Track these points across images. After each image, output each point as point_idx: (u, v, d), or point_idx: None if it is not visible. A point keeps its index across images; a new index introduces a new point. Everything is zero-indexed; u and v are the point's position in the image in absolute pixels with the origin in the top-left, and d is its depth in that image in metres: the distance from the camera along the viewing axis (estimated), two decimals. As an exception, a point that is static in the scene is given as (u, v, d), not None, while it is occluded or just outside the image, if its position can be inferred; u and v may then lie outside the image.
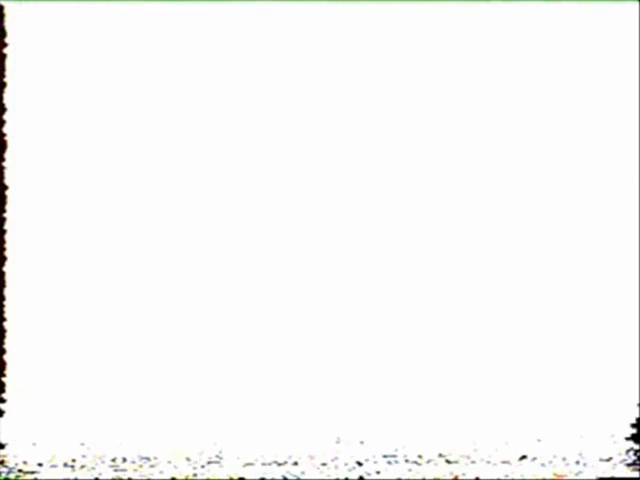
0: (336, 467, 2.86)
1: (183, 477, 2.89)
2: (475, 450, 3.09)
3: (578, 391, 3.12)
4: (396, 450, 3.09)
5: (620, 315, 3.14)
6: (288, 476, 2.56)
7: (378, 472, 2.66)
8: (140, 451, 3.05)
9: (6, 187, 3.02)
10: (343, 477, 2.53)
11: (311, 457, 3.06)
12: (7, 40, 3.05)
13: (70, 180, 3.09)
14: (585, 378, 3.13)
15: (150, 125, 3.11)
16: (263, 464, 2.90)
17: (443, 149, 3.13)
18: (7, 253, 3.03)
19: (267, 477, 2.53)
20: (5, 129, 3.05)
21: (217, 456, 3.05)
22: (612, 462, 3.03)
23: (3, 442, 3.03)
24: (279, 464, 2.90)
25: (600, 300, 3.14)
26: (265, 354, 3.11)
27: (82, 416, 3.07)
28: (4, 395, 3.02)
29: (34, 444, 3.04)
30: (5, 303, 3.02)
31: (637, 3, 3.12)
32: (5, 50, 3.04)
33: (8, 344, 3.04)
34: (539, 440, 3.10)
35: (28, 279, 3.06)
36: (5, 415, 3.02)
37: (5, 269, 3.03)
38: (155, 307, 3.09)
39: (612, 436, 3.12)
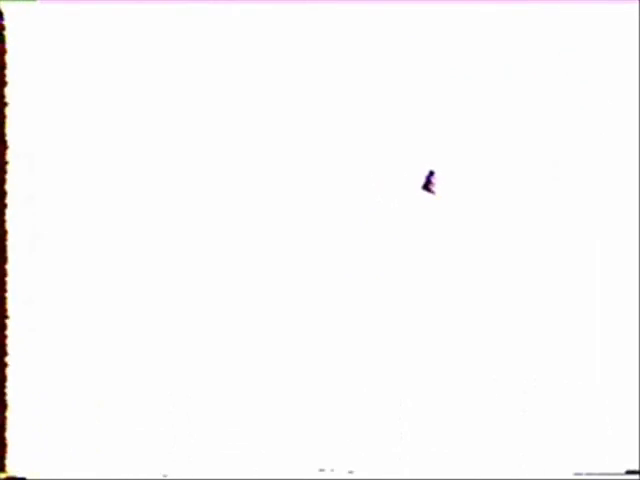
0: None
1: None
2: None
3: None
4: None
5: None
6: None
7: None
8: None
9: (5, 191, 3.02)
10: None
11: None
12: (7, 40, 3.05)
13: (70, 180, 3.09)
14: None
15: (150, 125, 3.12)
16: None
17: (442, 149, 3.14)
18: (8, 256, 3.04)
19: None
20: (6, 129, 3.05)
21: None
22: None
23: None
24: None
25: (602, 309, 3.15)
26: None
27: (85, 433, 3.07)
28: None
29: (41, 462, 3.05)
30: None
31: (637, 3, 3.13)
32: (5, 49, 3.04)
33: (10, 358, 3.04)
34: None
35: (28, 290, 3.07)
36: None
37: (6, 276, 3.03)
38: (154, 310, 3.10)
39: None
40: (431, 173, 2.56)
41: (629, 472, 3.02)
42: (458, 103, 3.13)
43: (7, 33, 3.04)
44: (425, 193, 2.65)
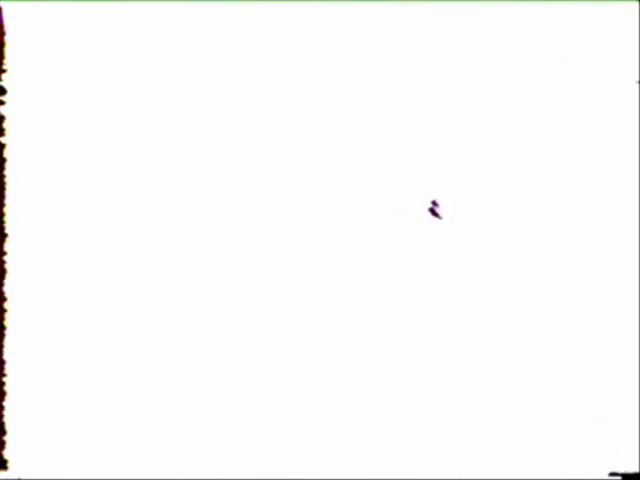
0: None
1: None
2: None
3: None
4: None
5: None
6: None
7: None
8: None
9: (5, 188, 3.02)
10: None
11: None
12: (7, 39, 3.05)
13: (69, 181, 3.10)
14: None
15: (150, 125, 3.12)
16: None
17: (442, 150, 3.14)
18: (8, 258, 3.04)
19: None
20: (5, 127, 3.05)
21: None
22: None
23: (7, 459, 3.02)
24: None
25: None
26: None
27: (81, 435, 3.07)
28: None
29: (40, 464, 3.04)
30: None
31: (637, 3, 3.13)
32: (5, 50, 3.04)
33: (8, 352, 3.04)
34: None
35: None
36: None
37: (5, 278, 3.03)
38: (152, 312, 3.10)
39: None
40: (434, 203, 2.60)
41: (627, 476, 3.02)
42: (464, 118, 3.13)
43: (7, 32, 3.04)
44: (432, 218, 2.69)
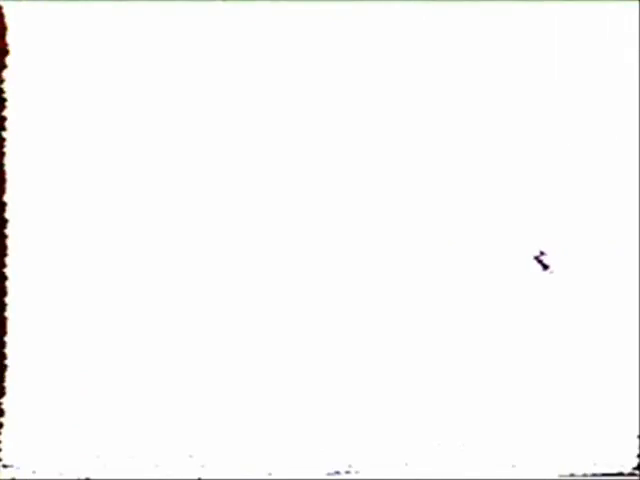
0: None
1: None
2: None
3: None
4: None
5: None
6: None
7: None
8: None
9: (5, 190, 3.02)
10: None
11: None
12: (7, 40, 3.05)
13: (69, 181, 3.10)
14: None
15: (150, 125, 3.12)
16: None
17: (442, 150, 3.14)
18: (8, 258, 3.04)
19: None
20: (4, 129, 3.05)
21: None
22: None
23: (6, 462, 3.01)
24: None
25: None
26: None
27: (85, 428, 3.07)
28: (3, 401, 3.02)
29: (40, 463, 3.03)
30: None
31: (637, 3, 3.13)
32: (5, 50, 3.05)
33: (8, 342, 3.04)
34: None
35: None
36: (6, 431, 3.01)
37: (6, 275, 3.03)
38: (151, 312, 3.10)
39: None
40: (542, 253, 2.59)
41: (626, 474, 3.02)
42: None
43: (9, 32, 3.04)
44: (539, 268, 2.68)
